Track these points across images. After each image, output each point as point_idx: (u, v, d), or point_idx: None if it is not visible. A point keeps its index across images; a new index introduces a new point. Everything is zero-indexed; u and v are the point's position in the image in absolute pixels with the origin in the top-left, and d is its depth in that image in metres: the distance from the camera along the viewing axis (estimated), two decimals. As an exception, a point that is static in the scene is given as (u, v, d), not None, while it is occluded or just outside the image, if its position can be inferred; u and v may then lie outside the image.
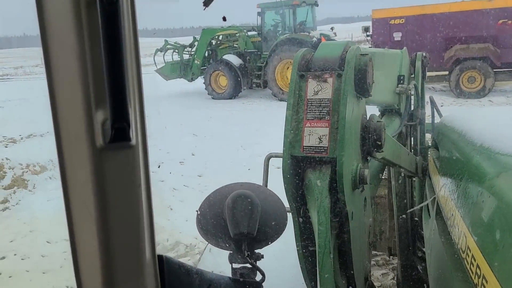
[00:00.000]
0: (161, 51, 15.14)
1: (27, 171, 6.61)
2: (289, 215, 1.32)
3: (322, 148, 1.34)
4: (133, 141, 0.52)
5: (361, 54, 1.41)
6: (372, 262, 3.96)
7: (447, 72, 12.12)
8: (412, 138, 2.90)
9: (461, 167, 1.70)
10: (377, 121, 1.52)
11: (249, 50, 14.40)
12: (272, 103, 13.17)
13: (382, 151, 1.54)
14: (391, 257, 3.95)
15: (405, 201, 3.01)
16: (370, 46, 13.12)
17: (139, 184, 0.55)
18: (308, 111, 1.38)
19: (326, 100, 1.37)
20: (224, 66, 13.81)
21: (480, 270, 1.12)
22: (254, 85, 14.64)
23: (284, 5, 13.91)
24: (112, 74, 0.47)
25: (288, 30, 13.97)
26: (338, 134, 1.32)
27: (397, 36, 12.70)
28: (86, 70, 0.48)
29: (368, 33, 13.57)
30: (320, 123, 1.36)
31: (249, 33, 14.95)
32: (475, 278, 1.16)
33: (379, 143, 1.49)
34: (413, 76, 2.94)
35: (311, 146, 1.36)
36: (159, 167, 6.55)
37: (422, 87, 3.26)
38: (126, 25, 0.49)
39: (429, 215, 2.18)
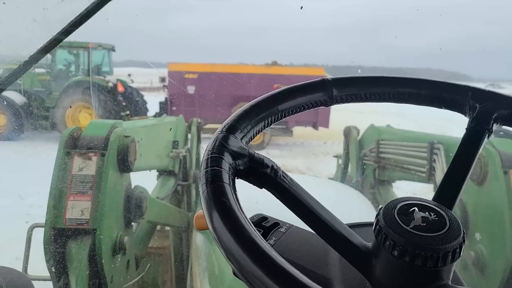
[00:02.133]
0: None
1: None
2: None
3: (83, 220, 1.48)
4: None
5: (124, 136, 1.63)
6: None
7: (233, 126, 13.53)
8: (186, 196, 3.25)
9: None
10: (140, 191, 1.75)
11: (35, 89, 13.23)
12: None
13: (143, 218, 1.76)
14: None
15: (182, 253, 3.30)
16: (166, 96, 13.69)
17: None
18: (72, 185, 1.51)
19: (90, 176, 1.52)
20: (4, 103, 12.31)
21: None
22: (40, 127, 13.40)
23: (79, 46, 13.42)
24: None
25: (82, 73, 13.45)
26: (99, 207, 1.48)
27: (191, 89, 13.61)
28: None
29: (164, 83, 14.16)
30: (83, 197, 1.50)
31: (37, 70, 13.80)
32: None
33: (141, 211, 1.71)
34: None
35: (73, 219, 1.48)
36: None
37: (198, 150, 3.70)
38: None
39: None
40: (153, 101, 15.19)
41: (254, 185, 0.52)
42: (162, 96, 14.68)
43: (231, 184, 0.46)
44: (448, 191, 0.55)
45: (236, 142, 0.51)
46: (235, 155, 0.49)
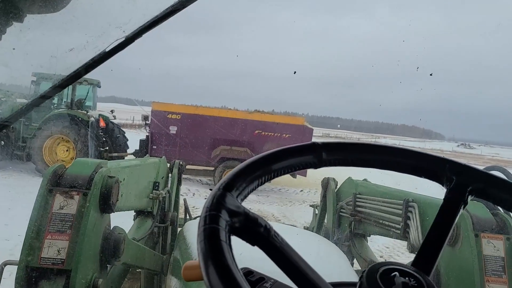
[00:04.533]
0: None
1: None
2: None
3: (59, 260, 1.46)
4: None
5: (109, 176, 1.65)
6: None
7: (213, 168, 13.51)
8: (162, 238, 3.21)
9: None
10: (119, 233, 1.74)
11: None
12: (35, 180, 11.98)
13: (119, 260, 1.75)
14: None
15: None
16: (147, 134, 13.66)
17: None
18: (51, 224, 1.50)
19: (70, 215, 1.52)
20: (-20, 131, 12.06)
21: None
22: (15, 157, 13.12)
23: (64, 78, 13.40)
24: None
25: (65, 105, 13.39)
26: (77, 247, 1.47)
27: (173, 129, 13.65)
28: None
29: (147, 121, 14.17)
30: (61, 236, 1.49)
31: (18, 100, 13.65)
32: None
33: (118, 253, 1.70)
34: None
35: (49, 258, 1.46)
36: None
37: (177, 192, 3.70)
38: None
39: None
40: (134, 138, 15.13)
41: (246, 242, 0.55)
42: (143, 134, 14.66)
43: (227, 242, 0.49)
44: (426, 257, 0.60)
45: (232, 201, 0.55)
46: (232, 213, 0.53)
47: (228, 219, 0.52)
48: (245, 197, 0.60)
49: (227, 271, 0.45)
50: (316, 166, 0.70)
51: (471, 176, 0.67)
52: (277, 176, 0.66)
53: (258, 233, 0.54)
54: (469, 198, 0.66)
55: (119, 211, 1.97)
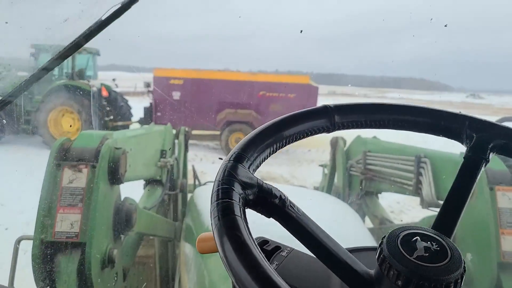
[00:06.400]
0: None
1: None
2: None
3: (73, 233, 1.46)
4: None
5: (115, 148, 1.62)
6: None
7: (219, 132, 13.51)
8: (173, 205, 3.23)
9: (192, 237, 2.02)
10: (130, 203, 1.73)
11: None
12: (43, 152, 12.07)
13: (133, 230, 1.75)
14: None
15: (167, 263, 3.27)
16: (151, 101, 13.58)
17: None
18: (62, 198, 1.49)
19: (80, 188, 1.51)
20: (-16, 106, 12.05)
21: None
22: (21, 131, 13.16)
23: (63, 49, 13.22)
24: None
25: (66, 76, 13.27)
26: (90, 221, 1.47)
27: (176, 95, 13.54)
28: None
29: (149, 89, 14.06)
30: (73, 210, 1.48)
31: (19, 73, 13.55)
32: None
33: (131, 223, 1.70)
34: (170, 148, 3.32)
35: (63, 232, 1.46)
36: None
37: (185, 159, 3.69)
38: None
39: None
40: (137, 106, 15.06)
41: (262, 214, 0.52)
42: (146, 101, 14.58)
43: (242, 216, 0.46)
44: (447, 219, 0.57)
45: (244, 172, 0.52)
46: (245, 185, 0.50)
47: (241, 191, 0.50)
48: (257, 167, 0.57)
49: (244, 248, 0.42)
50: (329, 130, 0.66)
51: (493, 132, 0.63)
52: (289, 143, 0.63)
53: (273, 204, 0.51)
54: (491, 155, 0.63)
55: (128, 181, 1.96)
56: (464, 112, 0.69)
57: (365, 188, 3.05)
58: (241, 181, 0.50)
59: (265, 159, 0.59)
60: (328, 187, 3.90)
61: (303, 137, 0.65)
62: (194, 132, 14.26)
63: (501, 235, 1.61)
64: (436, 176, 2.07)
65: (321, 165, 4.74)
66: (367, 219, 3.12)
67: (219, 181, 0.50)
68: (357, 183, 3.16)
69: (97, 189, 1.49)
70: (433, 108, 0.68)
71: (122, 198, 1.80)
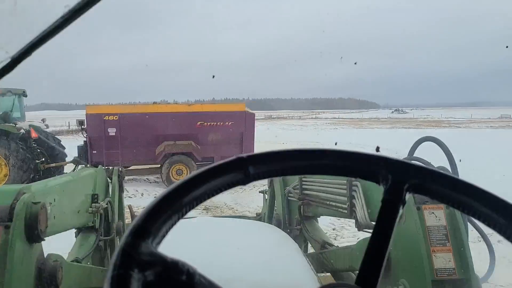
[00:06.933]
0: None
1: None
2: None
3: (-14, 303, 1.32)
4: None
5: (33, 202, 1.50)
6: None
7: (159, 165, 13.20)
8: (110, 251, 3.05)
9: None
10: (54, 261, 1.60)
11: None
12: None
13: None
14: None
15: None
16: (85, 139, 13.05)
17: None
18: None
19: (-7, 252, 1.37)
20: None
21: None
22: None
23: (-15, 93, 12.47)
24: None
25: (-10, 120, 12.46)
26: (4, 285, 1.34)
27: (112, 131, 13.12)
28: None
29: (83, 126, 13.51)
30: (-13, 276, 1.34)
31: None
32: None
33: (55, 282, 1.57)
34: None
35: (-26, 303, 1.31)
36: None
37: (121, 199, 3.54)
38: None
39: None
40: (71, 145, 14.39)
41: None
42: (81, 139, 13.99)
43: None
44: (369, 273, 0.56)
45: (146, 248, 0.46)
46: (144, 266, 0.44)
47: (140, 275, 0.44)
48: (163, 237, 0.50)
49: None
50: (244, 182, 0.63)
51: (407, 172, 0.62)
52: (200, 203, 0.58)
53: (179, 282, 0.45)
54: (407, 196, 0.62)
55: (53, 234, 1.83)
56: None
57: (304, 213, 3.07)
58: (140, 261, 0.45)
59: (172, 225, 0.54)
60: (269, 214, 3.90)
61: (217, 194, 0.60)
62: (134, 167, 13.81)
63: (432, 253, 1.66)
64: (368, 198, 2.12)
65: (261, 191, 4.74)
66: (309, 244, 3.14)
67: (113, 264, 0.44)
68: (295, 209, 3.18)
69: (12, 250, 1.36)
70: (350, 151, 0.66)
71: (46, 255, 1.66)
